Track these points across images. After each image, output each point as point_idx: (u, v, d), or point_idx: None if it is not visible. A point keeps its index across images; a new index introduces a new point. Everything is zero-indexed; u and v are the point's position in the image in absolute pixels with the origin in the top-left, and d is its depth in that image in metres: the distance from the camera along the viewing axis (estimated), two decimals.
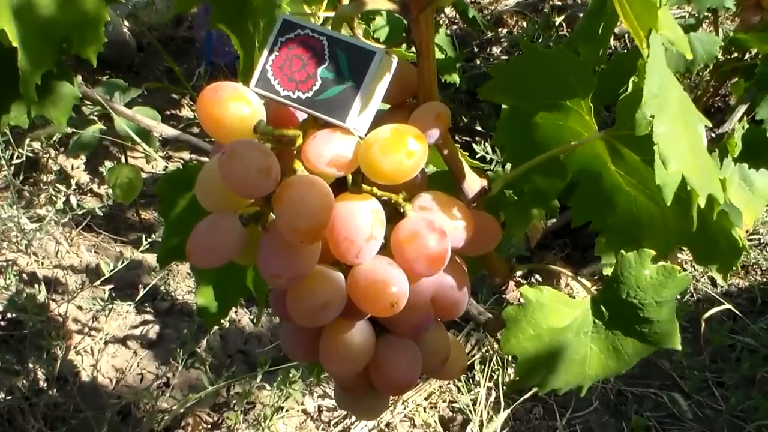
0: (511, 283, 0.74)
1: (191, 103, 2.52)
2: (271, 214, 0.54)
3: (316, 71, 0.54)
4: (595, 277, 1.92)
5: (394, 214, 0.57)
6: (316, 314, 0.55)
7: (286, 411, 1.55)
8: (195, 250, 0.54)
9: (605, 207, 0.74)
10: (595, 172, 0.72)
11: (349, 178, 0.56)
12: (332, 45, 0.54)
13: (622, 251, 0.65)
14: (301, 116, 0.57)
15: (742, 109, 1.51)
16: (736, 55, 1.65)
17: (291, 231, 0.51)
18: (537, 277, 1.77)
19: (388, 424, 1.53)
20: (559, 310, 0.67)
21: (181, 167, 0.92)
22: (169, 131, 1.56)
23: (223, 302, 0.98)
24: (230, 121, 0.54)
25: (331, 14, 0.85)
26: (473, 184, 0.65)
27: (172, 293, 1.83)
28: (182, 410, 1.56)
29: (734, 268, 0.70)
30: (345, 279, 0.56)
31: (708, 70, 1.74)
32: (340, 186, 0.56)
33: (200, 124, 0.55)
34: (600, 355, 0.70)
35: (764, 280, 1.73)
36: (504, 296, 0.74)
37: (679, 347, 0.69)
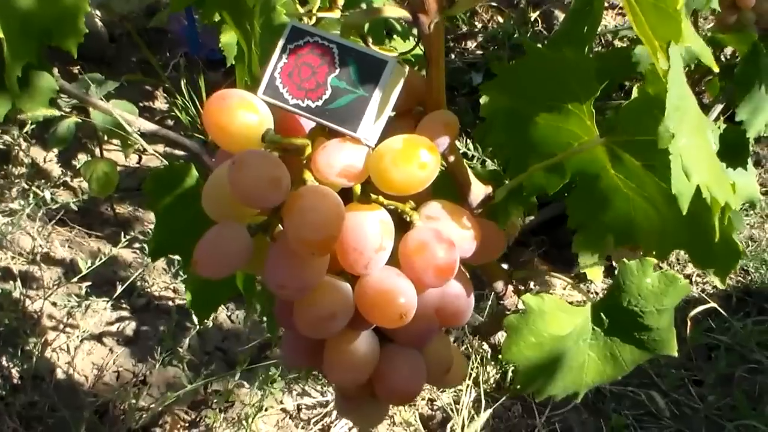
0: (509, 289, 0.74)
1: (165, 95, 2.49)
2: (279, 224, 0.53)
3: (326, 79, 0.53)
4: (572, 275, 1.93)
5: (400, 223, 0.56)
6: (323, 325, 0.55)
7: (265, 410, 1.54)
8: (203, 260, 0.53)
9: (602, 207, 0.74)
10: (593, 174, 0.72)
11: (358, 188, 0.55)
12: (342, 53, 0.53)
13: (625, 260, 0.66)
14: (306, 124, 0.56)
15: (719, 108, 1.52)
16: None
17: (302, 242, 0.50)
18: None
19: None
20: (560, 317, 0.67)
21: (166, 165, 0.92)
22: (148, 126, 1.55)
23: (212, 300, 0.98)
24: (237, 130, 0.53)
25: (326, 15, 0.85)
26: (477, 191, 0.64)
27: (149, 290, 1.81)
28: (160, 408, 1.54)
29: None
30: (352, 289, 0.55)
31: (687, 69, 1.75)
32: (344, 195, 0.55)
33: (207, 131, 0.54)
34: (598, 362, 0.70)
35: (740, 278, 1.75)
36: (501, 302, 0.74)
37: (676, 354, 0.69)
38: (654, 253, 0.73)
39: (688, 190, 0.54)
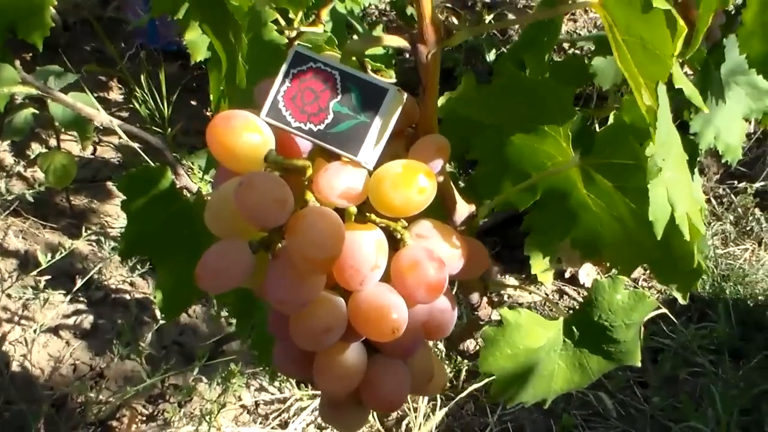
0: (484, 300, 0.77)
1: (120, 86, 2.47)
2: (281, 242, 0.56)
3: (328, 105, 0.56)
4: (523, 276, 1.98)
5: (390, 240, 0.59)
6: (319, 338, 0.57)
7: (224, 405, 1.56)
8: (205, 275, 0.55)
9: (569, 222, 0.78)
10: (563, 191, 0.76)
11: (354, 208, 0.58)
12: (344, 79, 0.56)
13: (598, 278, 0.69)
14: (302, 144, 0.59)
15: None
16: None
17: (305, 261, 0.53)
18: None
19: None
20: (535, 330, 0.70)
21: (142, 167, 0.94)
22: (112, 121, 1.55)
23: (182, 301, 0.99)
24: (242, 150, 0.55)
25: (310, 29, 0.87)
26: (462, 210, 0.67)
27: (107, 283, 1.81)
28: (118, 402, 1.55)
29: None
30: (345, 303, 0.58)
31: None
32: (338, 213, 0.57)
33: (211, 151, 0.56)
34: (566, 371, 0.74)
35: None
36: (476, 313, 0.77)
37: (639, 364, 0.73)
38: (619, 267, 0.77)
39: (663, 216, 0.58)
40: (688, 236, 0.57)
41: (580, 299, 1.91)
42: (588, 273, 1.92)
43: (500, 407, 1.59)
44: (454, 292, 0.65)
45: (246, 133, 0.55)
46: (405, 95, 0.57)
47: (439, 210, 0.69)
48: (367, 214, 0.58)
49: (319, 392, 0.76)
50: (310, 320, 0.56)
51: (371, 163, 0.56)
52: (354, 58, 0.59)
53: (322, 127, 0.55)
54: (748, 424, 1.54)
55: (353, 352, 0.60)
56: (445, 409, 1.52)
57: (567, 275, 1.94)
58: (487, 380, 1.59)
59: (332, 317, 0.57)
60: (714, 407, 1.53)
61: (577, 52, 2.57)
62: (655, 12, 0.49)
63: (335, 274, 0.56)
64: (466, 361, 1.53)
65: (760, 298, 1.80)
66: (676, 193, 0.55)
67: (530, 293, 1.82)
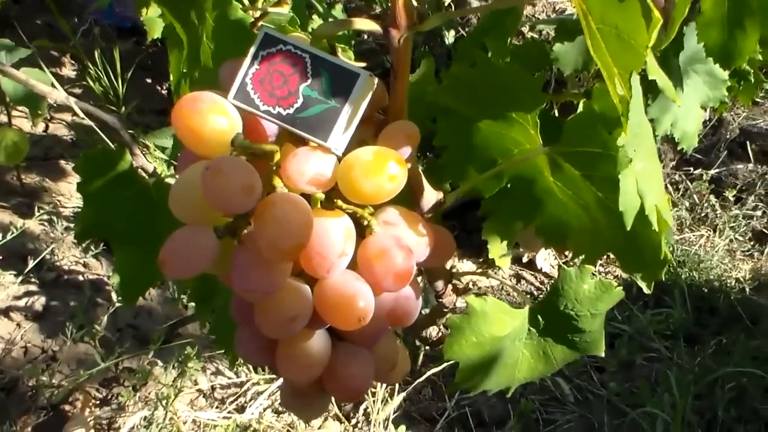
0: (449, 287, 0.76)
1: (73, 62, 2.42)
2: (247, 228, 0.55)
3: (297, 88, 0.54)
4: (480, 260, 1.99)
5: (357, 227, 0.58)
6: (285, 326, 0.56)
7: (180, 390, 1.54)
8: (170, 261, 0.53)
9: (534, 210, 0.77)
10: (529, 178, 0.76)
11: (321, 194, 0.57)
12: (315, 63, 0.55)
13: (564, 267, 0.69)
14: (268, 127, 0.57)
15: None
16: None
17: (272, 249, 0.52)
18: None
19: None
20: (501, 319, 0.70)
21: (101, 148, 0.92)
22: (63, 97, 1.51)
23: (141, 285, 0.97)
24: (209, 134, 0.54)
25: (276, 10, 0.85)
26: (429, 197, 0.67)
27: (59, 264, 1.77)
28: (71, 386, 1.52)
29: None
30: (311, 290, 0.57)
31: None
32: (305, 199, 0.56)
33: (177, 134, 0.55)
34: (530, 360, 0.74)
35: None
36: (440, 300, 0.77)
37: (603, 354, 0.74)
38: (584, 255, 0.77)
39: (633, 207, 0.58)
40: (657, 227, 0.57)
41: (538, 284, 1.92)
42: (545, 258, 1.93)
43: (458, 392, 1.60)
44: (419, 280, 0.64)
45: (213, 116, 0.53)
46: (376, 80, 0.56)
47: (406, 196, 0.68)
48: (335, 200, 0.57)
49: (275, 376, 0.75)
50: (277, 308, 0.55)
51: (341, 149, 0.55)
52: (325, 42, 0.58)
53: (291, 111, 0.54)
54: (702, 409, 1.56)
55: (318, 340, 0.59)
56: (403, 394, 1.52)
57: (525, 260, 1.95)
58: (445, 365, 1.59)
59: (299, 305, 0.56)
60: (670, 392, 1.55)
61: (536, 36, 2.58)
62: (631, 2, 0.49)
63: (302, 261, 0.55)
64: (424, 346, 1.53)
65: (714, 283, 1.83)
66: (646, 184, 0.54)
67: (488, 278, 1.82)
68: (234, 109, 0.55)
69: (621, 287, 0.70)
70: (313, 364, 0.59)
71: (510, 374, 0.74)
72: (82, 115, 1.89)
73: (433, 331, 0.81)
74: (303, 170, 0.53)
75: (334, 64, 0.54)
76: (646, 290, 0.74)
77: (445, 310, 0.78)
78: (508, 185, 0.77)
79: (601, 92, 0.66)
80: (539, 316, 0.71)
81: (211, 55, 0.80)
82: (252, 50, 0.55)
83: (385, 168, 0.54)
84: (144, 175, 0.96)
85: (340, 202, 0.57)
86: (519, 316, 0.71)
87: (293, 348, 0.59)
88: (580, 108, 0.69)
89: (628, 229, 0.58)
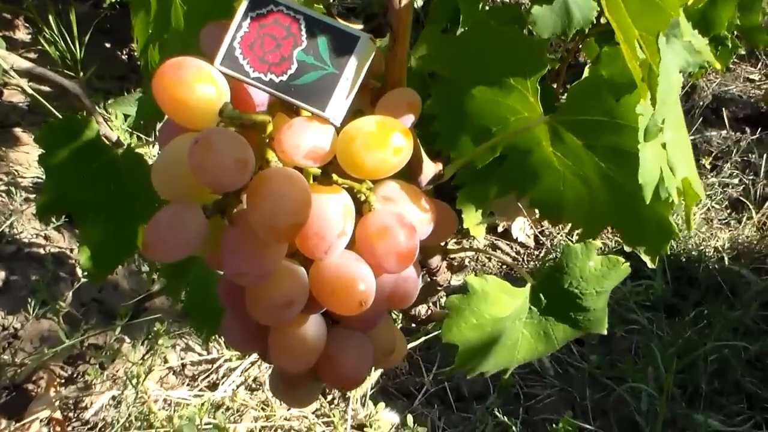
0: (443, 264, 0.73)
1: (27, 24, 2.33)
2: (237, 206, 0.50)
3: (291, 53, 0.50)
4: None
5: (354, 203, 0.54)
6: (279, 312, 0.52)
7: (151, 370, 1.49)
8: (155, 243, 0.49)
9: (530, 181, 0.74)
10: (525, 148, 0.72)
11: (316, 169, 0.52)
12: (310, 25, 0.50)
13: (570, 243, 0.66)
14: (256, 95, 0.53)
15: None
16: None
17: (268, 229, 0.47)
18: None
19: (255, 379, 1.50)
20: (501, 299, 0.67)
21: (64, 116, 0.88)
22: (22, 63, 1.44)
23: (110, 262, 0.93)
24: (195, 104, 0.49)
25: None
26: (428, 170, 0.62)
27: (19, 237, 1.70)
28: (34, 364, 1.46)
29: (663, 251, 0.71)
30: (307, 273, 0.53)
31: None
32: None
33: (159, 104, 0.49)
34: (530, 340, 0.71)
35: (618, 239, 1.81)
36: (434, 277, 0.73)
37: (605, 332, 0.71)
38: (582, 230, 0.74)
39: (653, 179, 0.54)
40: (686, 202, 0.54)
41: (513, 254, 1.89)
42: (521, 227, 1.90)
43: (435, 366, 1.57)
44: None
45: (199, 84, 0.49)
46: (376, 44, 0.51)
47: (404, 170, 0.64)
48: (331, 174, 0.53)
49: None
50: (271, 293, 0.51)
51: (339, 119, 0.50)
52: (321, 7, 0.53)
53: (284, 78, 0.50)
54: (684, 382, 1.55)
55: (313, 325, 0.55)
56: (380, 369, 1.48)
57: (500, 230, 1.92)
58: (422, 339, 1.56)
59: (294, 290, 0.52)
60: (653, 365, 1.53)
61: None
62: None
63: (297, 241, 0.51)
64: (413, 324, 1.50)
65: (693, 253, 1.82)
66: (676, 156, 0.51)
67: (463, 248, 1.79)
68: (221, 77, 0.50)
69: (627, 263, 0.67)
70: (308, 352, 0.56)
71: (509, 355, 0.71)
72: (39, 81, 1.81)
73: (422, 309, 0.78)
74: (299, 143, 0.49)
75: (331, 26, 0.50)
76: (650, 264, 0.71)
77: (439, 288, 0.74)
78: (502, 155, 0.74)
79: (610, 57, 0.62)
80: (541, 295, 0.68)
81: (184, 16, 0.75)
82: (241, 10, 0.50)
83: (389, 139, 0.49)
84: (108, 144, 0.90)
85: (336, 177, 0.53)
86: (520, 296, 0.68)
87: (287, 335, 0.55)
88: (586, 73, 0.65)
89: (648, 202, 0.54)
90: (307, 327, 0.55)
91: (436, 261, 0.72)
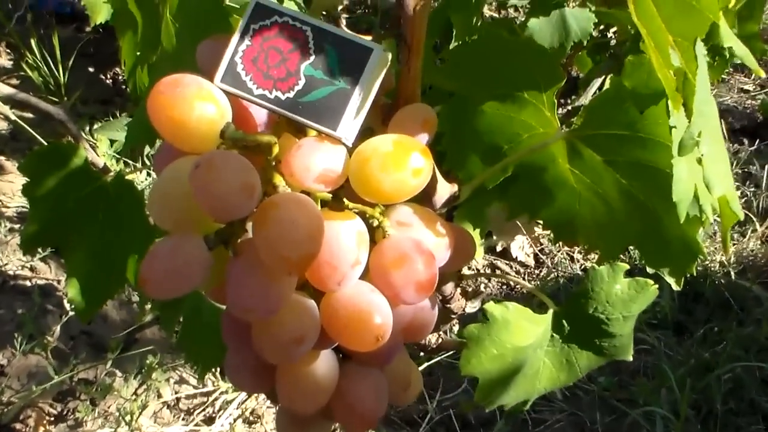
0: (458, 291, 0.68)
1: (8, 50, 2.29)
2: (242, 236, 0.46)
3: (298, 68, 0.46)
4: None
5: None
6: (289, 350, 0.48)
7: (145, 406, 1.43)
8: (154, 279, 0.44)
9: (543, 201, 0.70)
10: (539, 166, 0.68)
11: (327, 193, 0.48)
12: (318, 37, 0.46)
13: (595, 267, 0.62)
14: (257, 114, 0.49)
15: (598, 82, 1.52)
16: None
17: (278, 260, 0.43)
18: None
19: (253, 411, 1.45)
20: (523, 327, 0.63)
21: (50, 144, 0.84)
22: (5, 89, 1.40)
23: (99, 297, 0.88)
24: (196, 125, 0.45)
25: None
26: (443, 191, 0.58)
27: (4, 268, 1.65)
28: (22, 402, 1.41)
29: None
30: (317, 305, 0.48)
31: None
32: None
33: (155, 126, 0.45)
34: (552, 369, 0.67)
35: (622, 256, 1.78)
36: (448, 305, 0.69)
37: (631, 358, 0.67)
38: (600, 250, 0.70)
39: (687, 197, 0.50)
40: (722, 222, 0.50)
41: (513, 274, 1.85)
42: (520, 246, 1.86)
43: (438, 393, 1.52)
44: None
45: (199, 103, 0.45)
46: (390, 56, 0.47)
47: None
48: (342, 199, 0.49)
49: None
50: (279, 329, 0.47)
51: (351, 139, 0.46)
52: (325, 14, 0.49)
53: (291, 95, 0.46)
54: (697, 402, 1.50)
55: (324, 362, 0.51)
56: None
57: (498, 249, 1.88)
58: (425, 365, 1.51)
59: (305, 325, 0.48)
60: (665, 386, 1.48)
61: (495, 15, 2.51)
62: None
63: (307, 272, 0.47)
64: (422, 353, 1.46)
65: (698, 268, 1.78)
66: (713, 171, 0.47)
67: (478, 274, 1.75)
68: (222, 95, 0.46)
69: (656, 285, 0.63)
70: (320, 391, 0.52)
71: (530, 386, 0.67)
72: (22, 108, 1.77)
73: (432, 338, 0.74)
74: (309, 165, 0.45)
75: (341, 37, 0.46)
76: (674, 286, 0.67)
77: (453, 316, 0.70)
78: (513, 174, 0.70)
79: (635, 66, 0.58)
80: (564, 321, 0.64)
81: (175, 33, 0.71)
82: (242, 23, 0.46)
83: (408, 160, 0.45)
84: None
85: (346, 201, 0.49)
86: (542, 323, 0.63)
87: (296, 373, 0.51)
88: (607, 84, 0.61)
89: (682, 221, 0.50)
90: (319, 364, 0.51)
91: (449, 288, 0.68)
